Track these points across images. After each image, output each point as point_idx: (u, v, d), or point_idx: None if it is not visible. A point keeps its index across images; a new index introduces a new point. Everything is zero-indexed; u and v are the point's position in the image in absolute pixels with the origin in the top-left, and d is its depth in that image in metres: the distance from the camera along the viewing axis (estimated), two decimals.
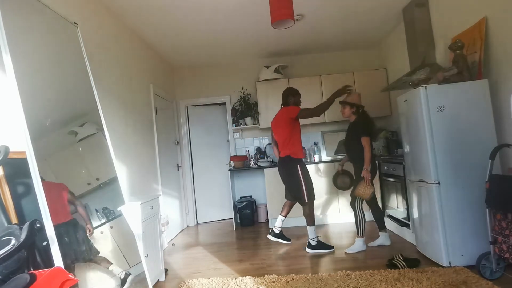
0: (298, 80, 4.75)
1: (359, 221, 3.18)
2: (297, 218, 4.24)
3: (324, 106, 3.22)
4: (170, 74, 4.99)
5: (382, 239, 3.27)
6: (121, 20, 3.28)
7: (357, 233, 3.20)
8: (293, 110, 3.31)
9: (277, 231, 3.42)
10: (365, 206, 3.24)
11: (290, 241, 3.47)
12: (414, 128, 2.77)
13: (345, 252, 3.17)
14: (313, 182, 3.36)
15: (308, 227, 3.28)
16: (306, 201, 3.27)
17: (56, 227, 1.55)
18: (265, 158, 4.80)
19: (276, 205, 4.18)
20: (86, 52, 2.36)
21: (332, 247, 3.28)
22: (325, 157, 4.86)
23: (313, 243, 3.25)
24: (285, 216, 3.47)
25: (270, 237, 3.45)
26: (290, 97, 3.43)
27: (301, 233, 3.81)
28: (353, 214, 3.27)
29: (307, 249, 3.27)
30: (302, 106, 3.42)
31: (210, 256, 3.39)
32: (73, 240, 1.75)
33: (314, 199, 3.34)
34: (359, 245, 3.18)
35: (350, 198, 3.26)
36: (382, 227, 3.28)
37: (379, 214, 3.29)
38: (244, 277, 2.65)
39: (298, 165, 3.28)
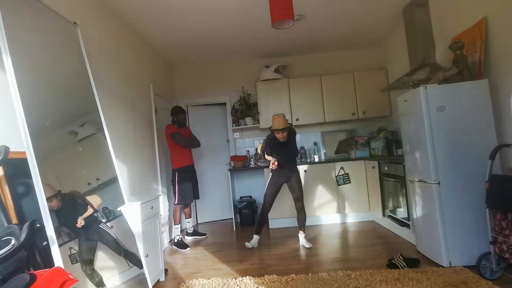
0: (298, 80, 4.75)
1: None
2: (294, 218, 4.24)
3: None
4: (170, 74, 4.99)
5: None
6: (121, 20, 3.28)
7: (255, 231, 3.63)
8: (168, 129, 3.93)
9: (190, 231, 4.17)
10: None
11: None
12: (414, 128, 2.76)
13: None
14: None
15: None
16: (175, 203, 3.88)
17: None
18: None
19: (276, 205, 4.15)
20: (86, 52, 2.36)
21: (187, 246, 3.72)
22: (324, 157, 4.86)
23: (177, 238, 3.81)
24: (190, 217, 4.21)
25: (187, 237, 4.12)
26: (173, 115, 4.01)
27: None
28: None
29: (174, 246, 3.78)
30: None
31: (210, 256, 3.39)
32: None
33: (183, 204, 3.92)
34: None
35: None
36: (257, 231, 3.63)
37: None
38: (244, 277, 2.65)
39: (176, 173, 3.90)
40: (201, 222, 5.08)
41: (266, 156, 3.55)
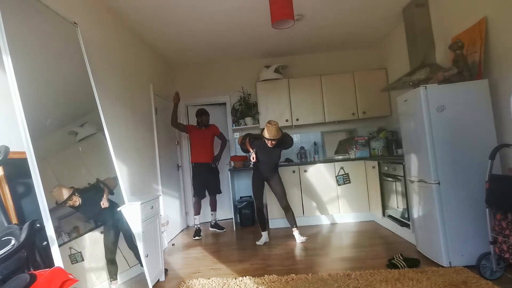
0: (298, 80, 4.75)
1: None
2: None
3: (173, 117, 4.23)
4: (170, 74, 4.99)
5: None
6: (121, 20, 3.28)
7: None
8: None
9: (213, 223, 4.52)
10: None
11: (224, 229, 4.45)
12: (414, 128, 2.76)
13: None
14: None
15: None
16: (193, 196, 4.35)
17: None
18: None
19: (276, 205, 4.17)
20: (86, 52, 2.35)
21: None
22: (324, 157, 4.86)
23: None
24: (214, 211, 4.53)
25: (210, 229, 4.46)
26: (197, 117, 4.46)
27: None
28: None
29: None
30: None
31: (210, 256, 3.39)
32: None
33: (197, 197, 4.30)
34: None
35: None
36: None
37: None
38: (244, 277, 2.65)
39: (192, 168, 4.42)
40: (201, 222, 5.06)
41: (247, 145, 3.61)
